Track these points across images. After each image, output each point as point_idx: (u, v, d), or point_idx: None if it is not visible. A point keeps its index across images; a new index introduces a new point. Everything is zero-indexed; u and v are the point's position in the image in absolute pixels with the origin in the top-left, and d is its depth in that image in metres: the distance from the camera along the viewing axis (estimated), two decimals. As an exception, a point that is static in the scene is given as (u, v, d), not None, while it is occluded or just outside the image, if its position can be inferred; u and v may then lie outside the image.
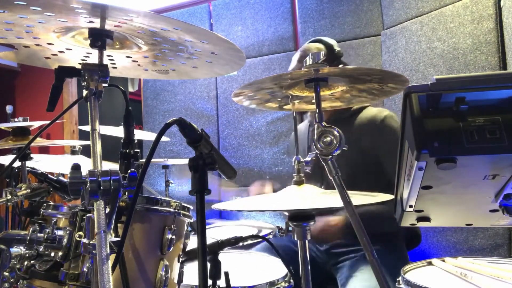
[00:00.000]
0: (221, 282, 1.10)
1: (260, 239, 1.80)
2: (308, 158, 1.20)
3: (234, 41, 0.89)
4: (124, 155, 1.04)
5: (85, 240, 0.79)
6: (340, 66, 1.79)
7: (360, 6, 2.75)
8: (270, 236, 2.17)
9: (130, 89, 4.87)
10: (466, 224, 0.88)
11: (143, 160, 0.89)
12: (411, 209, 0.76)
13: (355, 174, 1.65)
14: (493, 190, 0.68)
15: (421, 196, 0.71)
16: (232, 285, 1.12)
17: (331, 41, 1.89)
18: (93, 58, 1.01)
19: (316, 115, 0.99)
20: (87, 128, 0.92)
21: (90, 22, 0.82)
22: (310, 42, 1.94)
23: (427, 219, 0.81)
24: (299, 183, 1.20)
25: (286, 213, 1.15)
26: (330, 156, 0.94)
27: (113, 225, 0.77)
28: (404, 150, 0.70)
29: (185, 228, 1.16)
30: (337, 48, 1.86)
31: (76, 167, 0.76)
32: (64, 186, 1.07)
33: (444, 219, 0.90)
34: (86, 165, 0.76)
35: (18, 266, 1.01)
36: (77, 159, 1.94)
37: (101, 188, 0.75)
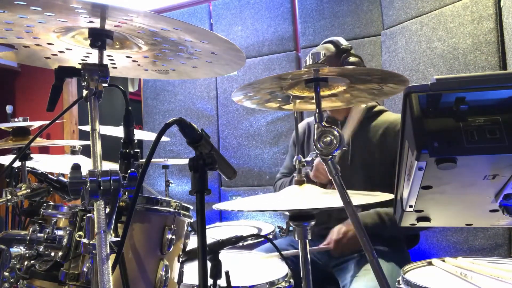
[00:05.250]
0: (222, 281, 1.10)
1: (260, 239, 1.81)
2: (308, 158, 1.20)
3: (234, 41, 0.89)
4: (124, 155, 1.04)
5: (85, 240, 0.79)
6: (353, 59, 1.79)
7: (360, 6, 2.75)
8: (270, 236, 2.17)
9: (130, 89, 4.87)
10: (466, 224, 0.88)
11: (143, 160, 0.89)
12: (411, 209, 0.76)
13: (373, 175, 1.67)
14: (493, 190, 0.68)
15: (421, 196, 0.71)
16: (232, 284, 1.12)
17: (339, 39, 1.92)
18: (93, 58, 1.01)
19: (316, 115, 0.99)
20: (87, 128, 0.93)
21: (90, 22, 0.82)
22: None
23: (427, 219, 0.81)
24: (300, 183, 1.20)
25: (287, 213, 1.15)
26: (330, 156, 0.94)
27: (113, 225, 0.77)
28: (404, 150, 0.70)
29: (185, 228, 1.16)
30: (344, 43, 1.87)
31: (76, 167, 0.76)
32: (64, 186, 1.06)
33: (444, 219, 0.90)
34: (86, 165, 0.76)
35: (18, 266, 1.01)
36: (77, 159, 1.94)
37: (101, 188, 0.75)
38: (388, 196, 1.12)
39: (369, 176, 1.69)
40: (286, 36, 3.05)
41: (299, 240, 1.13)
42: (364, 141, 1.74)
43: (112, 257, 0.77)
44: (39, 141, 1.82)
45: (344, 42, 1.88)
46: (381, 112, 1.82)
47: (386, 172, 1.69)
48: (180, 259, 1.14)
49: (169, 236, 1.05)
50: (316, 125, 0.97)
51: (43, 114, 1.38)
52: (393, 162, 1.69)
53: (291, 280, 1.36)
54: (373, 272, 0.86)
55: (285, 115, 3.00)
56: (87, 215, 0.79)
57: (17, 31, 0.86)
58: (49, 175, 1.09)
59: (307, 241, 1.12)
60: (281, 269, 1.44)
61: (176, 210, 1.09)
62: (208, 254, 1.08)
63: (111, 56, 1.02)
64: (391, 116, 1.81)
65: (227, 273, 1.11)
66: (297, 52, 3.02)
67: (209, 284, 0.93)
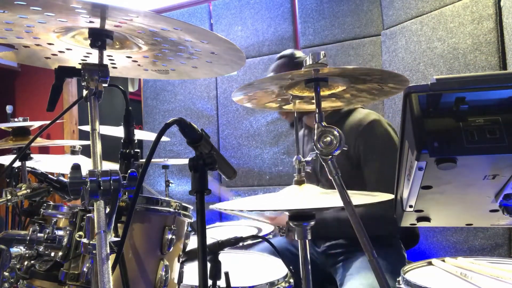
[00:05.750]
0: (221, 282, 1.10)
1: (260, 239, 1.81)
2: (308, 158, 1.20)
3: (234, 41, 0.89)
4: (124, 155, 1.04)
5: (85, 240, 0.79)
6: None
7: (360, 6, 2.75)
8: (270, 236, 2.17)
9: (130, 89, 4.87)
10: (466, 224, 0.88)
11: (143, 160, 0.89)
12: (411, 209, 0.76)
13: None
14: (493, 190, 0.68)
15: (421, 196, 0.71)
16: (232, 285, 1.12)
17: (293, 52, 1.89)
18: (93, 58, 1.01)
19: (316, 115, 0.99)
20: (87, 128, 0.93)
21: (90, 22, 0.82)
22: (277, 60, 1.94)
23: (427, 219, 0.81)
24: (299, 182, 1.20)
25: (287, 213, 1.15)
26: (330, 156, 0.94)
27: (113, 225, 0.77)
28: (404, 150, 0.69)
29: (185, 228, 1.16)
30: (299, 55, 1.85)
31: (76, 167, 0.76)
32: (64, 186, 1.06)
33: (444, 219, 0.90)
34: (86, 165, 0.76)
35: (18, 266, 1.01)
36: (77, 159, 1.94)
37: (101, 188, 0.75)
38: (388, 196, 1.12)
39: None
40: (286, 36, 3.05)
41: (299, 240, 1.13)
42: None
43: (112, 257, 0.77)
44: (39, 141, 1.82)
45: (299, 54, 1.85)
46: (351, 111, 1.74)
47: (351, 173, 1.64)
48: (180, 259, 1.14)
49: (169, 236, 1.05)
50: (316, 125, 0.97)
51: (43, 114, 1.38)
52: (356, 164, 1.68)
53: (291, 280, 1.36)
54: (373, 271, 0.86)
55: (285, 115, 2.99)
56: (87, 215, 0.79)
57: (17, 31, 0.86)
58: (49, 175, 1.09)
59: (307, 241, 1.12)
60: (280, 269, 1.44)
61: (176, 210, 1.09)
62: (208, 254, 1.08)
63: (111, 56, 1.02)
64: (359, 114, 1.72)
65: (226, 274, 1.11)
66: (297, 52, 3.02)
67: (208, 285, 0.93)
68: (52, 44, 0.94)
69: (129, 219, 0.85)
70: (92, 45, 0.88)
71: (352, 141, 1.66)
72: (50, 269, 1.01)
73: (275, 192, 1.27)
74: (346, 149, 0.96)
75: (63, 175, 1.57)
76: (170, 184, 2.88)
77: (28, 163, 1.52)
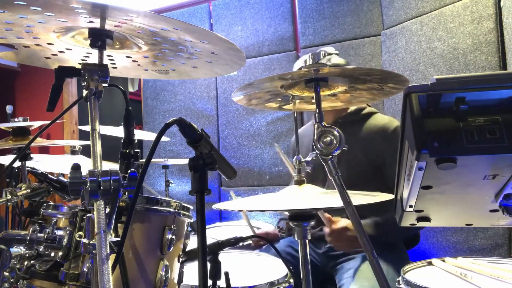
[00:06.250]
0: (221, 282, 1.10)
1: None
2: (308, 158, 1.20)
3: (234, 41, 0.89)
4: (124, 155, 1.04)
5: (85, 240, 0.79)
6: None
7: (360, 6, 2.75)
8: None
9: (130, 89, 4.87)
10: (466, 224, 0.88)
11: (143, 160, 0.89)
12: (411, 209, 0.76)
13: (357, 177, 1.66)
14: (493, 190, 0.68)
15: (421, 196, 0.71)
16: (232, 285, 1.12)
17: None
18: (93, 58, 1.01)
19: (316, 115, 0.99)
20: (87, 128, 0.93)
21: (90, 22, 0.82)
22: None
23: (427, 219, 0.81)
24: (299, 183, 1.20)
25: (287, 213, 1.15)
26: (330, 156, 0.94)
27: (113, 225, 0.77)
28: (404, 150, 0.69)
29: (185, 228, 1.16)
30: (334, 52, 1.93)
31: (76, 167, 0.76)
32: (64, 186, 1.06)
33: (444, 219, 0.89)
34: (86, 165, 0.76)
35: (18, 266, 1.01)
36: (77, 159, 1.94)
37: (101, 188, 0.75)
38: (388, 196, 1.12)
39: (349, 175, 1.68)
40: (286, 36, 3.05)
41: (298, 240, 1.13)
42: (352, 143, 1.72)
43: (112, 257, 0.77)
44: (39, 141, 1.82)
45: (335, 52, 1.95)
46: (371, 114, 1.81)
47: (369, 173, 1.70)
48: (180, 259, 1.14)
49: (169, 236, 1.05)
50: (316, 125, 0.97)
51: (43, 114, 1.38)
52: (379, 164, 1.71)
53: (291, 281, 1.36)
54: (373, 272, 0.86)
55: (285, 115, 3.00)
56: (87, 215, 0.79)
57: (17, 31, 0.86)
58: (49, 175, 1.09)
59: (306, 241, 1.12)
60: (280, 270, 1.44)
61: (176, 210, 1.09)
62: (208, 254, 1.08)
63: (111, 56, 1.02)
64: (382, 119, 1.79)
65: (226, 274, 1.11)
66: (297, 52, 3.01)
67: (208, 285, 0.93)
68: (52, 44, 0.94)
69: (129, 219, 0.85)
70: (92, 45, 0.88)
71: (377, 144, 1.71)
72: (50, 269, 1.01)
73: (275, 192, 1.27)
74: (346, 149, 0.96)
75: (63, 175, 1.57)
76: (170, 184, 2.88)
77: (28, 163, 1.52)
